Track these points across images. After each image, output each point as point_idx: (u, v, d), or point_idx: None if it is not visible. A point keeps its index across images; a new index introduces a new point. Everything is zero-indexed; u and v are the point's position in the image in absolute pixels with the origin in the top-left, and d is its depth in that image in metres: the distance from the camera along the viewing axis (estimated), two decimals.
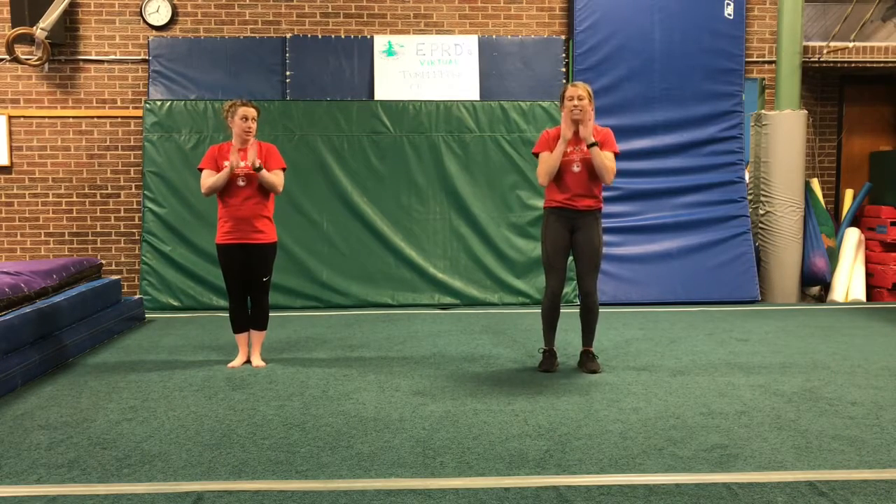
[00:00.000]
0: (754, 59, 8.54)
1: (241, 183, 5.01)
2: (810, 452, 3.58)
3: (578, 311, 5.12)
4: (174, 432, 3.91)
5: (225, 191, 5.05)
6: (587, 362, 5.05)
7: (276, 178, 5.10)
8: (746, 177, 8.25)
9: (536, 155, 5.02)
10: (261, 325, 5.30)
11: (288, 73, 8.09)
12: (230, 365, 5.23)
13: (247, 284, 5.20)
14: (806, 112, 8.01)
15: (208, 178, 5.07)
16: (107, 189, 8.24)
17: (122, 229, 8.27)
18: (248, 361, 5.30)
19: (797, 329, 6.48)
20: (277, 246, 5.27)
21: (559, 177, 4.89)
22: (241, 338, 5.30)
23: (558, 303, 5.08)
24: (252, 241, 5.08)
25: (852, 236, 8.33)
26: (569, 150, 4.85)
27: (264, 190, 5.09)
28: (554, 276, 5.01)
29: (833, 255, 8.14)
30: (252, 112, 5.06)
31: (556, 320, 5.11)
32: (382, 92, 8.04)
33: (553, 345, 5.14)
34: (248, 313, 5.27)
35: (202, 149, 7.28)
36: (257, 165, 4.97)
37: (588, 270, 4.98)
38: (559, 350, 5.32)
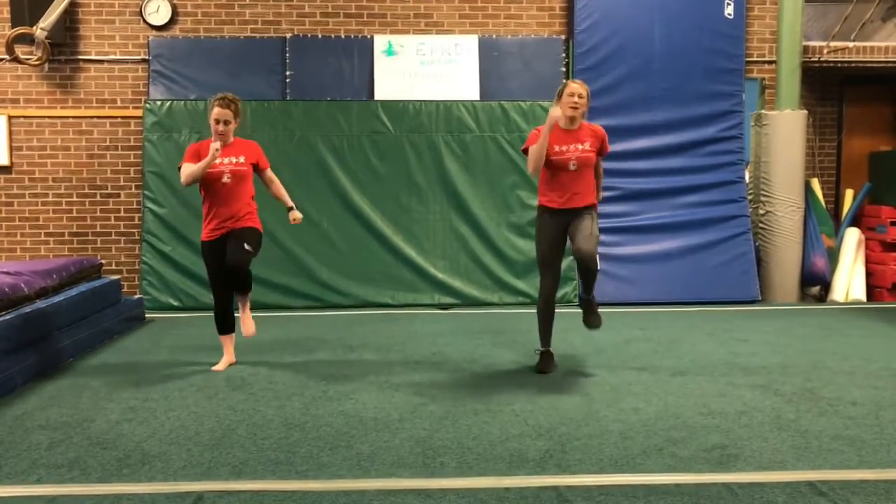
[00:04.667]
0: (754, 59, 8.54)
1: (225, 180, 4.97)
2: (810, 452, 3.58)
3: (577, 269, 5.08)
4: (174, 432, 3.91)
5: (209, 188, 5.01)
6: (589, 316, 5.08)
7: (281, 185, 5.32)
8: (746, 177, 8.25)
9: (526, 151, 4.94)
10: (244, 287, 5.12)
11: (288, 73, 8.08)
12: (215, 367, 5.17)
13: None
14: (806, 112, 8.00)
15: (188, 168, 4.95)
16: (107, 189, 8.24)
17: (122, 229, 8.27)
18: (235, 363, 5.26)
19: (797, 329, 6.48)
20: (261, 231, 5.15)
21: (555, 176, 4.87)
22: (227, 339, 5.27)
23: (553, 301, 5.05)
24: (235, 227, 5.01)
25: (852, 236, 8.33)
26: (564, 149, 4.83)
27: (248, 186, 5.07)
28: (549, 276, 5.00)
29: (833, 255, 8.14)
30: (226, 114, 4.97)
31: (552, 319, 5.09)
32: (382, 92, 8.04)
33: (549, 345, 5.13)
34: (234, 314, 5.19)
35: None
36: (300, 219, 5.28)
37: (586, 238, 4.77)
38: (559, 350, 5.31)
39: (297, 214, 5.26)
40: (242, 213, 5.04)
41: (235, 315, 5.26)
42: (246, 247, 4.96)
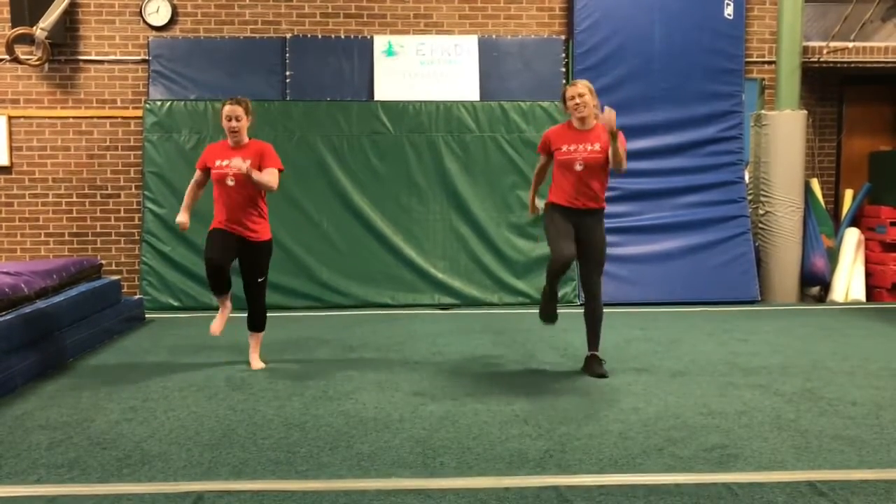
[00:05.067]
0: (754, 59, 8.54)
1: (230, 182, 4.97)
2: (810, 452, 3.58)
3: (582, 312, 5.10)
4: (174, 432, 3.91)
5: (217, 188, 5.03)
6: (594, 367, 4.99)
7: (268, 176, 4.95)
8: (746, 177, 8.25)
9: (540, 151, 5.07)
10: (258, 326, 5.28)
11: (288, 73, 8.08)
12: (212, 327, 5.20)
13: (242, 284, 5.18)
14: (806, 112, 8.00)
15: (187, 192, 5.24)
16: (107, 189, 8.24)
17: (122, 229, 8.26)
18: (242, 364, 5.28)
19: (797, 329, 6.48)
20: (272, 244, 5.22)
21: (563, 175, 4.87)
22: (222, 299, 5.23)
23: (566, 268, 4.86)
24: (245, 237, 5.04)
25: (852, 236, 8.33)
26: (572, 149, 4.83)
27: (255, 188, 5.04)
28: (562, 248, 4.78)
29: (833, 255, 8.14)
30: (236, 111, 4.99)
31: (559, 281, 4.99)
32: (382, 92, 8.04)
33: (556, 287, 4.99)
34: (227, 276, 5.13)
35: (202, 149, 7.22)
36: (244, 171, 4.80)
37: (593, 270, 4.95)
38: (559, 350, 5.31)
39: (239, 163, 4.82)
40: (252, 216, 5.03)
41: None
42: (259, 280, 5.16)
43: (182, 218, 5.19)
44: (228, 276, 5.16)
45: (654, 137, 8.10)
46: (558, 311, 5.09)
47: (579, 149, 4.82)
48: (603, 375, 4.92)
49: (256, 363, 5.24)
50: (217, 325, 5.25)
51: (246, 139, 5.09)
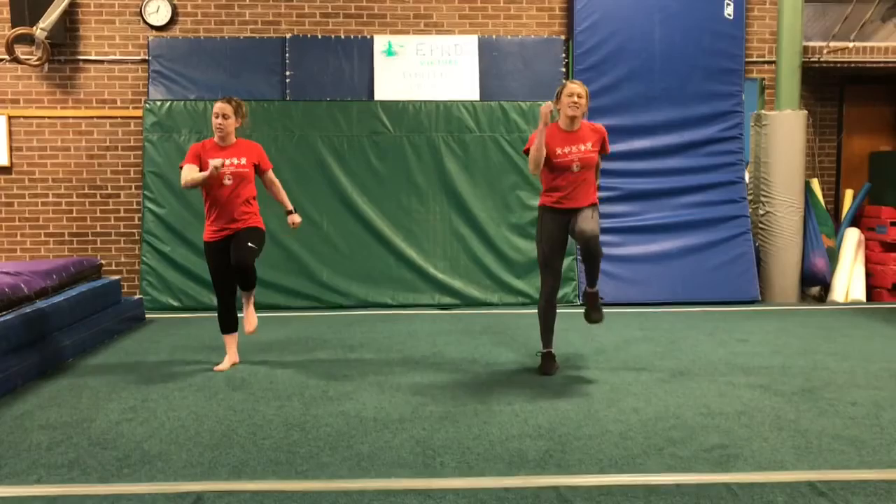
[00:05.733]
0: (754, 59, 8.54)
1: (227, 181, 4.99)
2: (810, 452, 3.58)
3: (580, 255, 5.03)
4: (174, 432, 3.91)
5: (211, 189, 5.02)
6: (591, 310, 5.05)
7: (281, 188, 5.33)
8: (746, 177, 8.25)
9: (527, 152, 4.96)
10: (250, 285, 5.17)
11: (288, 73, 8.08)
12: (217, 367, 5.18)
13: (232, 265, 5.04)
14: (806, 112, 8.00)
15: (190, 173, 4.95)
16: (107, 189, 8.23)
17: (122, 229, 8.26)
18: (237, 363, 5.27)
19: (797, 329, 6.48)
20: (265, 231, 5.18)
21: (557, 177, 4.88)
22: (230, 338, 5.28)
23: (555, 303, 5.06)
24: (237, 229, 5.03)
25: (852, 236, 8.33)
26: (567, 151, 4.85)
27: (249, 187, 5.07)
28: (550, 276, 4.99)
29: (833, 255, 8.14)
30: (225, 108, 5.01)
31: (554, 321, 5.09)
32: (382, 92, 8.04)
33: (552, 346, 5.13)
34: (236, 312, 5.21)
35: None
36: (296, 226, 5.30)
37: (587, 220, 4.77)
38: (559, 350, 5.31)
39: (296, 218, 5.29)
40: (245, 214, 5.06)
41: (239, 315, 5.26)
42: (249, 245, 5.01)
43: (215, 162, 4.86)
44: (236, 313, 5.21)
45: (654, 137, 8.10)
46: (557, 309, 5.11)
47: (573, 150, 4.85)
48: (598, 320, 5.00)
49: (251, 322, 5.23)
50: (223, 366, 5.21)
51: (233, 139, 5.11)
